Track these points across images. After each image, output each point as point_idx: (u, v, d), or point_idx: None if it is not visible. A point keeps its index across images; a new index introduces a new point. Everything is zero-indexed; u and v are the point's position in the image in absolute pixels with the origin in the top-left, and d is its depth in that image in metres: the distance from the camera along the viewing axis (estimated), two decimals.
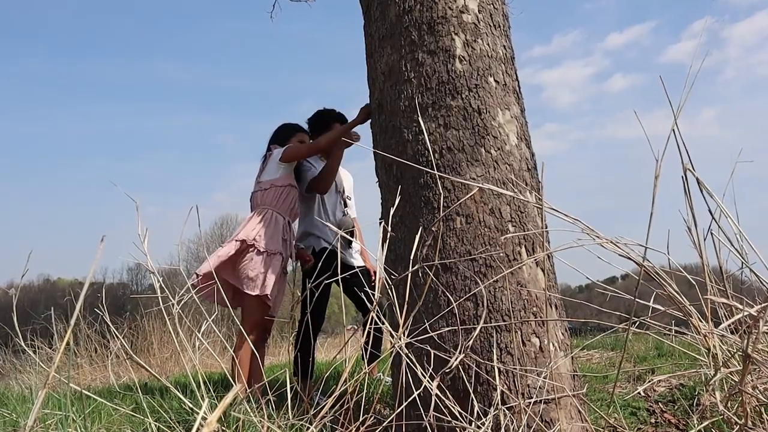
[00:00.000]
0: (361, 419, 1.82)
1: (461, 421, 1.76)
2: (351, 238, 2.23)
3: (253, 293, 3.06)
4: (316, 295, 2.97)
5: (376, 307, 1.84)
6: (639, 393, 2.54)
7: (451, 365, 1.77)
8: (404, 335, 1.78)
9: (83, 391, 1.90)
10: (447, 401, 1.78)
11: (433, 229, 2.09)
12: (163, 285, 1.98)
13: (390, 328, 1.89)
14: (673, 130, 1.62)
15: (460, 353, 1.89)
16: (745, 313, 1.50)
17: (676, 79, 1.60)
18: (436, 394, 1.76)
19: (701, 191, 1.62)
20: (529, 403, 1.86)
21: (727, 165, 1.62)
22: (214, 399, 1.96)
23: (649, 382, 2.66)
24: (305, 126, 3.55)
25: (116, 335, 2.26)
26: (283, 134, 3.44)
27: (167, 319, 2.02)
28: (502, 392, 1.87)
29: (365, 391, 1.86)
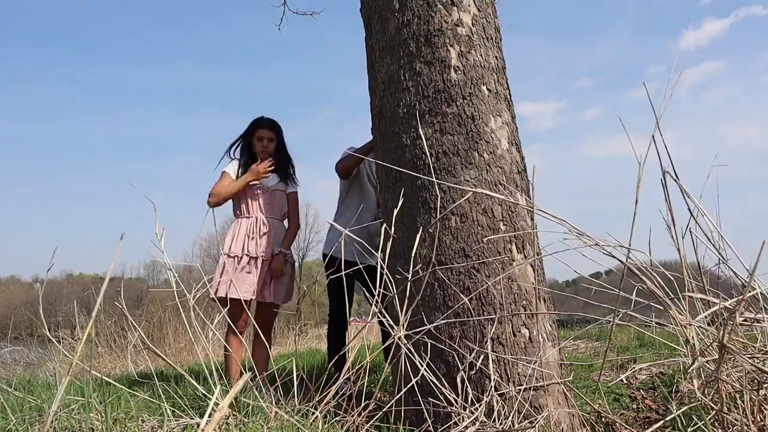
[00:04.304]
0: (362, 405, 1.82)
1: (456, 407, 1.76)
2: (370, 249, 2.19)
3: (281, 303, 3.13)
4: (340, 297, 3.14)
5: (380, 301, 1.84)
6: (622, 380, 2.54)
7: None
8: (403, 327, 1.78)
9: (104, 378, 1.91)
10: (443, 388, 1.78)
11: (430, 228, 2.09)
12: (178, 280, 1.99)
13: (391, 321, 1.89)
14: (653, 137, 1.63)
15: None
16: (721, 306, 1.50)
17: (641, 110, 1.65)
18: (433, 382, 1.77)
19: (682, 193, 1.62)
20: (520, 390, 1.86)
21: (684, 176, 1.63)
22: (225, 386, 1.96)
23: (632, 370, 2.66)
24: None
25: (134, 327, 2.26)
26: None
27: (182, 312, 2.03)
28: (495, 380, 1.87)
29: (367, 378, 1.86)
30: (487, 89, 2.26)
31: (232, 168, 3.20)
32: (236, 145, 3.26)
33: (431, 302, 2.04)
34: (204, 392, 2.00)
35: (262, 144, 3.19)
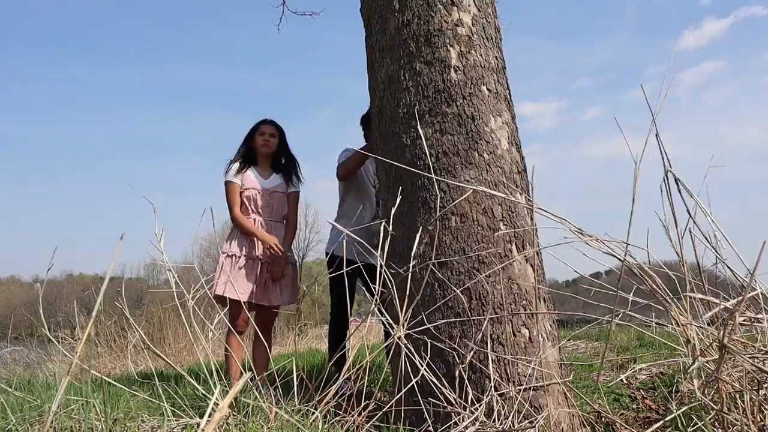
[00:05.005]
0: (362, 405, 1.82)
1: (456, 407, 1.76)
2: (370, 248, 2.21)
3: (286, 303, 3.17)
4: (341, 296, 3.15)
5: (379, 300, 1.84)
6: (622, 380, 2.54)
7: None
8: (403, 327, 1.78)
9: (104, 378, 1.91)
10: (443, 388, 1.78)
11: (429, 227, 2.09)
12: (178, 281, 1.99)
13: (391, 320, 1.89)
14: (656, 136, 1.63)
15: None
16: (722, 307, 1.50)
17: (641, 110, 1.65)
18: (433, 382, 1.76)
19: (680, 190, 1.62)
20: (520, 390, 1.86)
21: (684, 176, 1.63)
22: (225, 386, 1.96)
23: (632, 370, 2.66)
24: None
25: (134, 327, 2.26)
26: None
27: (182, 312, 2.03)
28: (494, 380, 1.87)
29: (366, 378, 1.86)
30: (487, 89, 2.26)
31: (232, 173, 3.15)
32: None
33: (431, 302, 2.04)
34: (204, 392, 2.00)
35: (264, 138, 3.19)
